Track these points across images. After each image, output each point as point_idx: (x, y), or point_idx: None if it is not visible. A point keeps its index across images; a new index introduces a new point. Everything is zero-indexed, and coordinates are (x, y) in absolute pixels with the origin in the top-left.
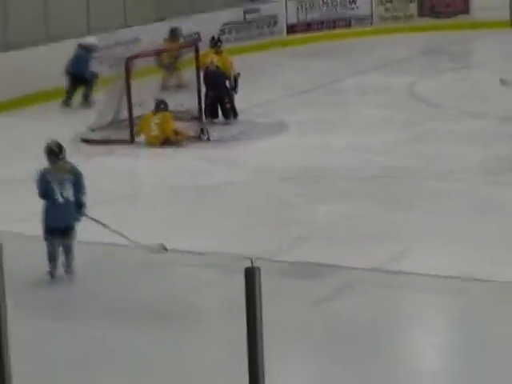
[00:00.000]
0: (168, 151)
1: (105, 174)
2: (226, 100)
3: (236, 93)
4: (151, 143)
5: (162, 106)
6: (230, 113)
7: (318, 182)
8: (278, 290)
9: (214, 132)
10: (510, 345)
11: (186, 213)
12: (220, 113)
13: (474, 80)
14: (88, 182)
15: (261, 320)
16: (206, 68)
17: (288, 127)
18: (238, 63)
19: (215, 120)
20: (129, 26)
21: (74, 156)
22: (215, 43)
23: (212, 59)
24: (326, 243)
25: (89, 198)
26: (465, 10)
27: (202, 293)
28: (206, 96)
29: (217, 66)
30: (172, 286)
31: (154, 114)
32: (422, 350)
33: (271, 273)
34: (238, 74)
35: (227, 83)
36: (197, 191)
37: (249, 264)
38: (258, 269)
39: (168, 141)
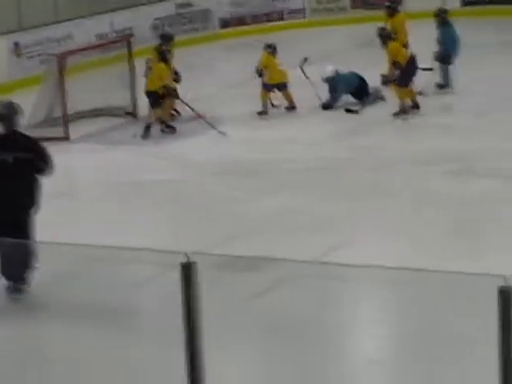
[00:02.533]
0: (102, 147)
1: None
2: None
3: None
4: None
5: None
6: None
7: (256, 176)
8: (216, 283)
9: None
10: (452, 335)
11: (121, 209)
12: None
13: None
14: None
15: (198, 313)
16: None
17: (223, 121)
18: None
19: None
20: (60, 22)
21: None
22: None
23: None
24: (265, 236)
25: None
26: (398, 0)
27: (140, 289)
28: None
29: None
30: (109, 283)
31: None
32: (363, 342)
33: (208, 267)
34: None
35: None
36: (133, 187)
37: (185, 259)
38: (195, 263)
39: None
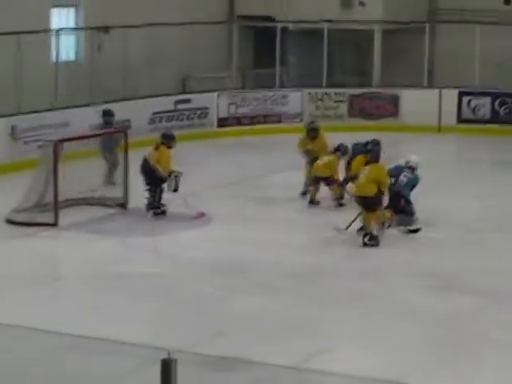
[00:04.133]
0: (90, 236)
1: (25, 255)
2: (148, 194)
3: (175, 191)
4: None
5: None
6: (148, 206)
7: (240, 276)
8: (194, 381)
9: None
10: None
11: (105, 300)
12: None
13: None
14: (7, 263)
15: None
16: None
17: (212, 219)
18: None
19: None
20: (59, 109)
21: None
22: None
23: (148, 152)
24: (246, 337)
25: (6, 280)
26: (394, 113)
27: (118, 382)
28: None
29: (144, 159)
30: (88, 375)
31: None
32: None
33: (188, 364)
34: (175, 174)
35: (157, 176)
36: (118, 279)
37: (166, 355)
38: (175, 361)
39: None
